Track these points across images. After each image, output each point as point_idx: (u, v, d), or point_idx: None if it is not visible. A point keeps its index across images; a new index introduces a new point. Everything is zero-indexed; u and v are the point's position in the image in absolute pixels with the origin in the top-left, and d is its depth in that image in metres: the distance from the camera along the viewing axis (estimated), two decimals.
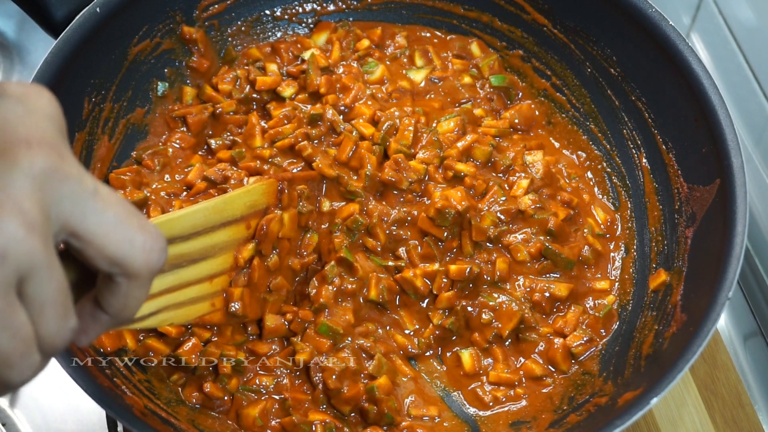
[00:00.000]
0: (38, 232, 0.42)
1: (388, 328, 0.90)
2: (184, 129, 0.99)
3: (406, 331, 0.90)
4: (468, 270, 0.89)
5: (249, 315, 0.81)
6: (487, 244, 0.92)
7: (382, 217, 0.91)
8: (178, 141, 0.98)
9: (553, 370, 0.89)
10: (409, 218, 0.92)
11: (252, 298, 0.75)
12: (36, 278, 0.42)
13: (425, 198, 0.93)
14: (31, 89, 0.48)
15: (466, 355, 0.89)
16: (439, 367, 0.90)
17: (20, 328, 0.42)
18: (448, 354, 0.90)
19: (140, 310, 0.51)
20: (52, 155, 0.44)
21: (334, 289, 0.87)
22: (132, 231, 0.46)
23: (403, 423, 0.84)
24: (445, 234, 0.91)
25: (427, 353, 0.90)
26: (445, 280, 0.89)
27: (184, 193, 0.94)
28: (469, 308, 0.89)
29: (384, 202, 0.93)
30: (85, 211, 0.45)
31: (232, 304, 0.77)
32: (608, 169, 1.00)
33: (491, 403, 0.87)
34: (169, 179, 0.95)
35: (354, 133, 0.96)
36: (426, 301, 0.91)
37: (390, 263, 0.91)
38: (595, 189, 1.00)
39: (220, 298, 0.70)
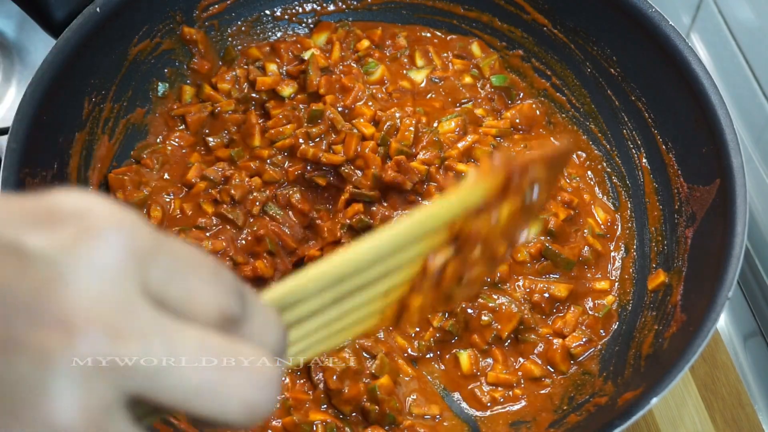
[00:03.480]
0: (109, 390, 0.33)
1: (389, 328, 0.90)
2: (183, 128, 0.99)
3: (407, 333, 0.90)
4: None
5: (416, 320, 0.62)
6: None
7: (384, 221, 0.91)
8: (177, 139, 0.98)
9: (552, 370, 0.89)
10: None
11: (434, 299, 0.57)
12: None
13: (425, 200, 0.93)
14: (90, 216, 0.34)
15: (464, 357, 0.89)
16: (438, 367, 0.90)
17: None
18: (447, 356, 0.90)
19: (290, 350, 0.42)
20: (105, 336, 0.33)
21: None
22: (228, 390, 0.35)
23: (405, 422, 0.84)
24: None
25: (428, 355, 0.90)
26: None
27: (184, 192, 0.94)
28: (469, 310, 0.89)
29: (386, 203, 0.93)
30: (161, 386, 0.34)
31: (407, 316, 0.57)
32: (608, 169, 1.00)
33: (489, 404, 0.87)
34: (169, 178, 0.96)
35: (355, 132, 0.96)
36: None
37: None
38: (596, 189, 1.00)
39: (393, 308, 0.53)
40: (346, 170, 0.94)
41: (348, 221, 0.91)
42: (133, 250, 0.34)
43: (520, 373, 0.89)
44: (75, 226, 0.33)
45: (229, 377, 0.35)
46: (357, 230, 0.91)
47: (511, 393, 0.87)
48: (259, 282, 0.89)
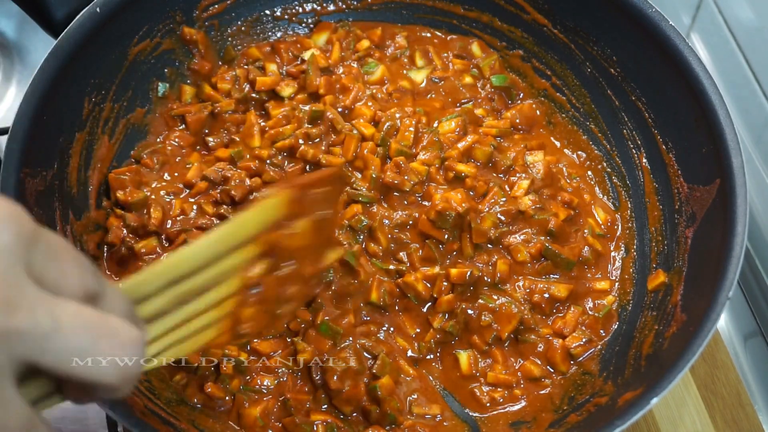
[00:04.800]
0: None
1: (391, 330, 0.90)
2: (183, 128, 0.99)
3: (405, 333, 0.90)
4: (468, 273, 0.89)
5: (259, 332, 0.76)
6: (488, 245, 0.92)
7: (383, 220, 0.91)
8: (176, 139, 0.98)
9: (552, 371, 0.89)
10: (410, 221, 0.92)
11: (263, 315, 0.68)
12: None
13: (425, 200, 0.93)
14: None
15: (464, 357, 0.89)
16: (438, 368, 0.90)
17: None
18: (447, 356, 0.90)
19: (149, 350, 0.51)
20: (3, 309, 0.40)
21: (331, 290, 0.87)
22: (103, 352, 0.43)
23: (406, 422, 0.84)
24: (446, 236, 0.91)
25: (428, 356, 0.90)
26: (445, 283, 0.89)
27: (185, 192, 0.94)
28: (469, 311, 0.89)
29: (386, 204, 0.93)
30: (48, 349, 0.41)
31: (242, 326, 0.67)
32: (608, 169, 1.00)
33: (489, 404, 0.87)
34: (169, 177, 0.96)
35: (355, 132, 0.96)
36: (427, 306, 0.91)
37: (391, 267, 0.91)
38: (596, 189, 1.01)
39: (228, 320, 0.63)
40: (345, 171, 0.94)
41: (347, 222, 0.91)
42: (19, 237, 0.42)
43: (519, 374, 0.88)
44: None
45: (102, 340, 0.43)
46: (356, 230, 0.91)
47: (511, 393, 0.87)
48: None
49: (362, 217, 0.90)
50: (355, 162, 0.94)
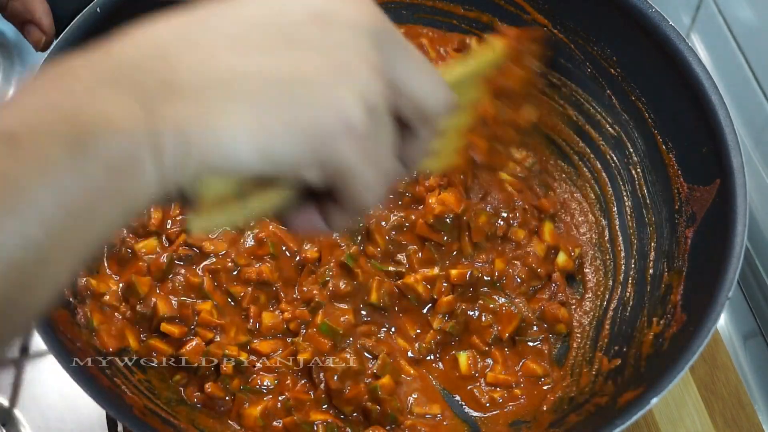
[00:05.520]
0: (382, 78, 0.47)
1: (392, 330, 0.90)
2: None
3: (405, 333, 0.90)
4: (468, 274, 0.89)
5: (486, 163, 0.82)
6: (486, 242, 0.92)
7: (380, 222, 0.91)
8: None
9: (552, 370, 0.89)
10: (407, 224, 0.91)
11: (489, 149, 0.78)
12: (383, 127, 0.48)
13: (415, 204, 0.93)
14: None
15: (463, 358, 0.89)
16: (438, 367, 0.90)
17: (382, 163, 0.48)
18: (446, 357, 0.90)
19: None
20: (381, 18, 0.48)
21: (329, 291, 0.87)
22: (430, 76, 0.51)
23: (406, 422, 0.84)
24: (445, 238, 0.91)
25: (428, 357, 0.90)
26: (445, 284, 0.89)
27: None
28: (470, 312, 0.89)
29: (380, 206, 0.93)
30: (402, 62, 0.49)
31: (476, 154, 0.76)
32: (608, 169, 1.00)
33: (488, 404, 0.87)
34: None
35: None
36: (427, 307, 0.91)
37: (391, 268, 0.90)
38: (596, 188, 1.01)
39: (466, 149, 0.73)
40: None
41: None
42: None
43: (520, 373, 0.88)
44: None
45: (436, 78, 0.51)
46: (353, 232, 0.91)
47: (510, 393, 0.87)
48: (264, 286, 0.89)
49: (359, 219, 0.90)
50: None
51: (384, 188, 0.50)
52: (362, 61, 0.46)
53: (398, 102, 0.49)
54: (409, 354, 0.89)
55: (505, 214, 0.94)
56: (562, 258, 0.94)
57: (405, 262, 0.91)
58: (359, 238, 0.90)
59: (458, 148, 0.73)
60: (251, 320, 0.87)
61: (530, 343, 0.90)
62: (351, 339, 0.86)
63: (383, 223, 0.91)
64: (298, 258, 0.91)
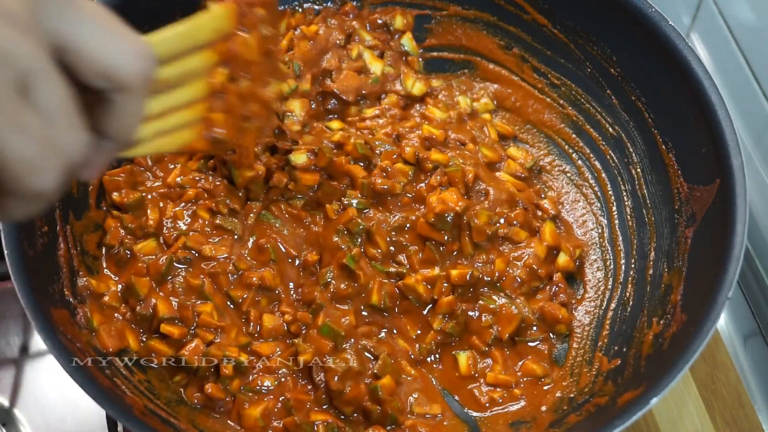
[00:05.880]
0: (33, 36, 0.42)
1: (394, 331, 0.90)
2: None
3: (405, 334, 0.90)
4: (469, 274, 0.89)
5: (230, 140, 0.79)
6: (486, 242, 0.92)
7: (381, 224, 0.90)
8: None
9: (552, 370, 0.89)
10: (407, 224, 0.91)
11: (231, 125, 0.75)
12: (39, 82, 0.42)
13: (416, 203, 0.93)
14: None
15: (463, 358, 0.89)
16: (438, 367, 0.90)
17: (33, 130, 0.42)
18: (446, 357, 0.90)
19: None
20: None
21: (330, 292, 0.87)
22: (120, 39, 0.47)
23: (407, 422, 0.84)
24: (446, 237, 0.91)
25: (429, 359, 0.90)
26: (445, 284, 0.89)
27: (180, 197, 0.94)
28: (470, 312, 0.89)
29: (381, 207, 0.93)
30: (73, 21, 0.45)
31: (214, 130, 0.74)
32: (608, 169, 1.00)
33: (488, 404, 0.87)
34: (162, 175, 0.95)
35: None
36: (428, 308, 0.90)
37: (392, 269, 0.90)
38: (596, 188, 1.01)
39: (201, 125, 0.71)
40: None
41: (343, 226, 0.90)
42: None
43: (519, 373, 0.88)
44: None
45: (120, 31, 0.48)
46: (354, 234, 0.90)
47: (510, 393, 0.87)
48: (265, 290, 0.89)
49: (359, 221, 0.90)
50: (340, 177, 0.94)
51: (59, 165, 0.44)
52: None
53: (75, 65, 0.45)
54: (410, 355, 0.88)
55: (505, 214, 0.93)
56: (563, 258, 0.94)
57: (405, 262, 0.91)
58: (359, 240, 0.90)
59: (191, 123, 0.71)
60: (251, 324, 0.87)
61: (530, 344, 0.90)
62: (352, 340, 0.85)
63: (384, 225, 0.91)
64: (298, 262, 0.91)
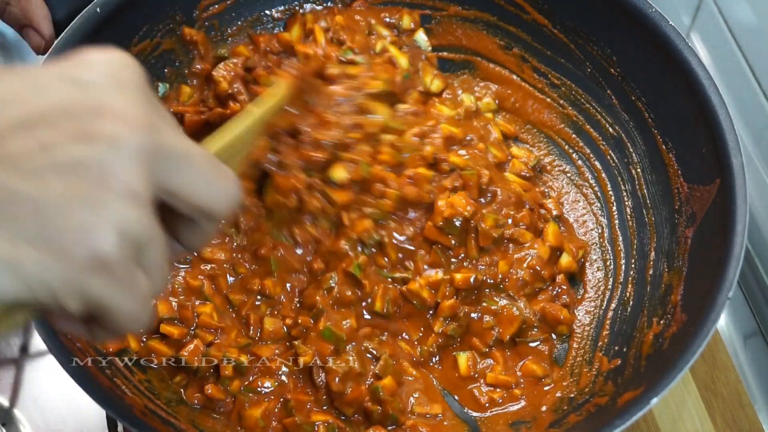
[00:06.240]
0: (146, 208, 0.45)
1: (399, 336, 0.89)
2: (181, 129, 0.99)
3: (406, 337, 0.90)
4: (473, 278, 0.88)
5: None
6: (491, 245, 0.92)
7: (393, 236, 0.89)
8: None
9: (552, 371, 0.89)
10: (417, 230, 0.90)
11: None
12: (149, 249, 0.46)
13: (429, 213, 0.92)
14: (115, 56, 0.49)
15: (463, 358, 0.88)
16: (438, 368, 0.90)
17: (143, 291, 0.46)
18: (447, 358, 0.90)
19: None
20: (149, 129, 0.46)
21: (332, 297, 0.87)
22: (216, 183, 0.50)
23: (408, 422, 0.84)
24: (453, 242, 0.90)
25: (431, 362, 0.89)
26: (448, 287, 0.89)
27: None
28: (472, 314, 0.89)
29: (400, 213, 0.91)
30: (179, 174, 0.47)
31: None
32: (608, 169, 1.00)
33: (487, 404, 0.87)
34: None
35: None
36: (431, 312, 0.90)
37: (397, 275, 0.89)
38: (596, 188, 1.01)
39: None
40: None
41: (356, 236, 0.88)
42: (142, 77, 0.49)
43: (519, 374, 0.88)
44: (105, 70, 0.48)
45: (219, 173, 0.50)
46: (366, 244, 0.89)
47: (510, 393, 0.87)
48: (266, 297, 0.89)
49: (373, 234, 0.88)
50: (369, 185, 0.90)
51: (151, 305, 0.48)
52: (120, 187, 0.43)
53: (172, 203, 0.48)
54: (412, 358, 0.88)
55: (511, 215, 0.93)
56: (565, 259, 0.94)
57: (412, 267, 0.90)
58: (372, 250, 0.89)
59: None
60: (251, 327, 0.87)
61: (531, 344, 0.90)
62: (354, 343, 0.85)
63: (396, 237, 0.89)
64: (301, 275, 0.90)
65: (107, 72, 0.47)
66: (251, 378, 0.84)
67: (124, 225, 0.44)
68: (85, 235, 0.42)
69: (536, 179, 1.01)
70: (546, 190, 1.01)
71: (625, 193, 0.98)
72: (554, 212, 0.97)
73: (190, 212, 0.50)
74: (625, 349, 0.86)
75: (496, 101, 1.07)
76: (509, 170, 0.99)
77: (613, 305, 0.92)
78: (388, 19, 1.05)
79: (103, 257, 0.43)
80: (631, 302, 0.91)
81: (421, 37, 1.06)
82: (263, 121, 0.76)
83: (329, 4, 1.07)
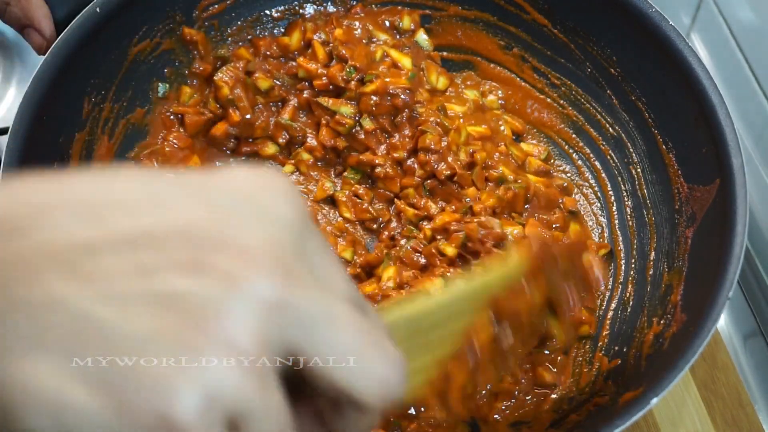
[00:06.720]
0: (256, 373, 0.34)
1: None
2: (182, 129, 0.99)
3: None
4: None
5: (461, 414, 0.61)
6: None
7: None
8: (174, 140, 0.98)
9: (558, 376, 0.89)
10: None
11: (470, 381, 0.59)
12: (253, 421, 0.35)
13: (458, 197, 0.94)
14: (267, 178, 0.39)
15: None
16: None
17: None
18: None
19: None
20: (280, 277, 0.36)
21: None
22: (369, 361, 0.37)
23: (410, 426, 0.83)
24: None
25: None
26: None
27: None
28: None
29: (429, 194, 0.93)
30: (315, 340, 0.36)
31: (449, 394, 0.58)
32: (608, 169, 1.00)
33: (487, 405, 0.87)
34: None
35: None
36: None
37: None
38: (596, 188, 1.01)
39: (439, 375, 0.54)
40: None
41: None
42: (303, 215, 0.38)
43: (523, 380, 0.88)
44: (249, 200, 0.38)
45: (369, 348, 0.37)
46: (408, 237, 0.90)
47: (513, 400, 0.87)
48: None
49: (413, 229, 0.92)
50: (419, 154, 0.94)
51: None
52: (222, 337, 0.34)
53: (312, 381, 0.37)
54: None
55: (545, 220, 0.93)
56: (586, 259, 0.93)
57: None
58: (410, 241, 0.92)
59: (428, 380, 0.53)
60: None
61: (546, 352, 0.89)
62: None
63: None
64: None
65: (249, 195, 0.38)
66: None
67: (216, 387, 0.33)
68: (158, 388, 0.33)
69: (551, 173, 1.01)
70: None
71: (625, 193, 0.98)
72: (572, 209, 0.97)
73: (328, 392, 0.38)
74: (625, 349, 0.86)
75: (500, 101, 1.06)
76: (528, 170, 0.99)
77: (613, 305, 0.92)
78: (387, 23, 1.05)
79: (176, 425, 0.32)
80: (631, 302, 0.91)
81: (422, 37, 1.06)
82: (483, 295, 0.56)
83: (329, 5, 1.07)
